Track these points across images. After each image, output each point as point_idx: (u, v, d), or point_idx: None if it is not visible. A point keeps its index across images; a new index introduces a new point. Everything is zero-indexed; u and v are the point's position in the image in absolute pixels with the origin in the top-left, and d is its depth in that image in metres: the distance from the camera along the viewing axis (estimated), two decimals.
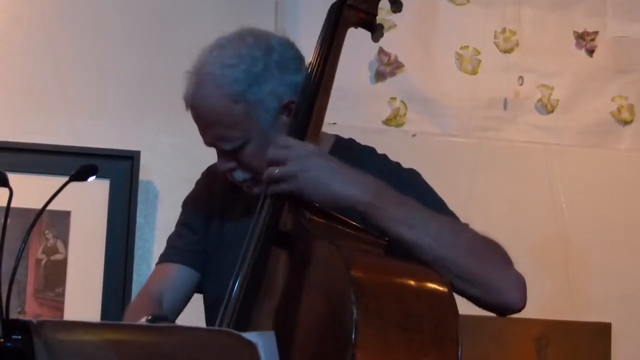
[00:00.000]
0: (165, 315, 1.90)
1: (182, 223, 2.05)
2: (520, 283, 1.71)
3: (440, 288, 1.55)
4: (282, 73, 1.83)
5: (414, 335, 1.47)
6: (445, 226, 1.69)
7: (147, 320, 1.82)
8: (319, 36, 1.88)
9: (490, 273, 1.69)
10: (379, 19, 1.93)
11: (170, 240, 2.06)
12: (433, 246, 1.63)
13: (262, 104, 1.82)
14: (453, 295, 1.56)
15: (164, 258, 2.03)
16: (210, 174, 2.03)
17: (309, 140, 1.77)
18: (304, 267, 1.60)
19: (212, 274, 1.98)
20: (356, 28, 1.93)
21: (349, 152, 1.89)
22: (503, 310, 1.72)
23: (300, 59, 1.89)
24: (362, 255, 1.56)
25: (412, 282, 1.55)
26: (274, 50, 1.84)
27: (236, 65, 1.81)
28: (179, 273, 1.99)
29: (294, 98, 1.83)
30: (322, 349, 1.50)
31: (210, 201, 2.01)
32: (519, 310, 1.72)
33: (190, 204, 2.06)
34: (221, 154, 1.87)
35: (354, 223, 1.67)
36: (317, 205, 1.67)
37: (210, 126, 1.84)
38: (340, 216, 1.68)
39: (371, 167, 1.85)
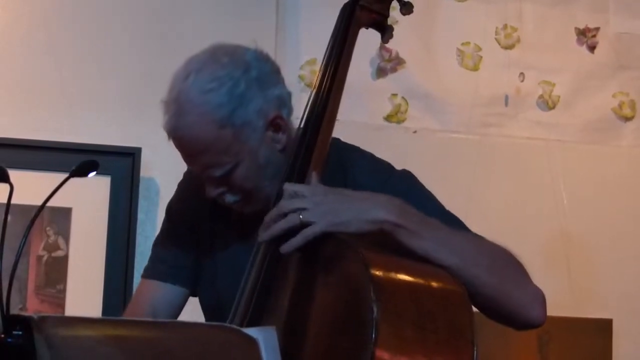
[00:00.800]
0: None
1: (168, 231, 2.00)
2: (540, 298, 1.69)
3: (455, 288, 1.55)
4: (263, 89, 1.77)
5: (429, 334, 1.46)
6: (468, 244, 1.66)
7: None
8: (331, 37, 1.86)
9: (512, 289, 1.66)
10: None
11: (157, 249, 2.00)
12: (460, 266, 1.59)
13: (249, 124, 1.75)
14: (467, 296, 1.54)
15: (153, 274, 1.98)
16: (193, 174, 1.91)
17: (322, 139, 1.74)
18: (317, 265, 1.59)
19: (208, 280, 1.93)
20: (367, 29, 1.91)
21: (339, 152, 1.86)
22: (524, 325, 1.70)
23: (277, 71, 1.84)
24: (379, 254, 1.54)
25: (427, 282, 1.54)
26: (252, 67, 1.77)
27: (217, 88, 1.73)
28: (169, 292, 1.95)
29: (279, 112, 1.79)
30: (336, 347, 1.49)
31: (197, 205, 1.94)
32: (540, 326, 1.69)
33: (176, 209, 2.00)
34: (210, 180, 1.80)
35: None
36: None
37: (198, 155, 1.77)
38: None
39: (363, 170, 1.83)
